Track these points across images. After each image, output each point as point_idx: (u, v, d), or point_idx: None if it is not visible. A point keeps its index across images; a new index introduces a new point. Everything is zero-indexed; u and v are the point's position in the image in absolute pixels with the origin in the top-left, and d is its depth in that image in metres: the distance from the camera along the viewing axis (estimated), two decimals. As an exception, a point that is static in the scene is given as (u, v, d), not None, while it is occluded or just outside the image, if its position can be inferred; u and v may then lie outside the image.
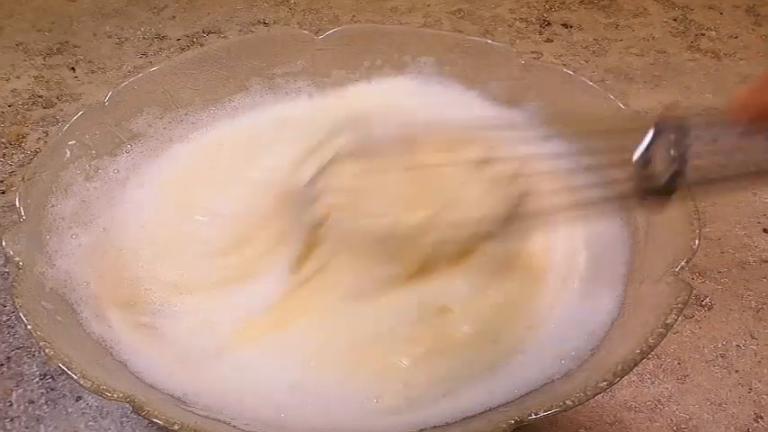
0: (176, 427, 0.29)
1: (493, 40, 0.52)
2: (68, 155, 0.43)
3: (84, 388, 0.30)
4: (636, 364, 0.31)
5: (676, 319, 0.32)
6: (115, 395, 0.30)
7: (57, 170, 0.43)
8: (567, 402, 0.29)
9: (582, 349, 0.37)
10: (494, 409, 0.34)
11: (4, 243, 0.36)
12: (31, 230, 0.38)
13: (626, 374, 0.31)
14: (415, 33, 0.55)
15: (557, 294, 0.41)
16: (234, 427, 0.32)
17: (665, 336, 0.32)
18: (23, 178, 0.40)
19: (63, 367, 0.31)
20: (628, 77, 0.68)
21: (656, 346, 0.31)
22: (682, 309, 0.33)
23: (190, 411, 0.33)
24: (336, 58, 0.54)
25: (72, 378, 0.31)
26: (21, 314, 0.33)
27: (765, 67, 0.69)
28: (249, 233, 0.44)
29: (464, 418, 0.34)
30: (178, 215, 0.46)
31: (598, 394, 0.30)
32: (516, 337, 0.39)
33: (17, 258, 0.36)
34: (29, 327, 0.32)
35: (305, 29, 0.53)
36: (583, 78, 0.48)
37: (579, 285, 0.41)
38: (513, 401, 0.34)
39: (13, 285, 0.34)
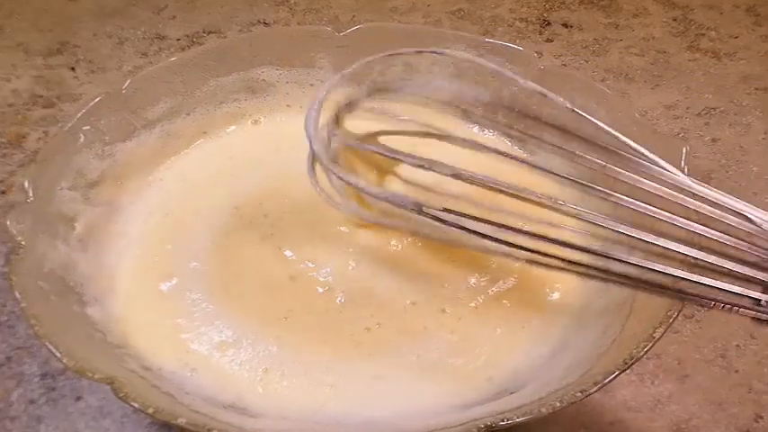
0: (150, 411, 0.29)
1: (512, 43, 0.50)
2: (82, 139, 0.44)
3: (68, 367, 0.31)
4: (617, 375, 0.31)
5: (663, 333, 0.32)
6: (96, 376, 0.30)
7: (69, 154, 0.43)
8: (542, 410, 0.29)
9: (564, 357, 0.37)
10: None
11: (8, 222, 0.36)
12: (37, 211, 0.38)
13: (605, 384, 0.31)
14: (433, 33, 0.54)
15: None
16: (212, 418, 0.31)
17: (651, 348, 0.32)
18: (35, 159, 0.41)
19: (48, 345, 0.31)
20: (628, 77, 0.68)
21: (641, 357, 0.31)
22: (671, 323, 0.32)
23: (177, 401, 0.33)
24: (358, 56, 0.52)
25: (56, 357, 0.31)
26: (15, 292, 0.33)
27: (766, 67, 0.69)
28: None
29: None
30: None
31: (574, 403, 0.30)
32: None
33: (19, 237, 0.36)
34: (22, 305, 0.33)
35: (327, 25, 0.52)
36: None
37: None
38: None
39: (11, 263, 0.34)
